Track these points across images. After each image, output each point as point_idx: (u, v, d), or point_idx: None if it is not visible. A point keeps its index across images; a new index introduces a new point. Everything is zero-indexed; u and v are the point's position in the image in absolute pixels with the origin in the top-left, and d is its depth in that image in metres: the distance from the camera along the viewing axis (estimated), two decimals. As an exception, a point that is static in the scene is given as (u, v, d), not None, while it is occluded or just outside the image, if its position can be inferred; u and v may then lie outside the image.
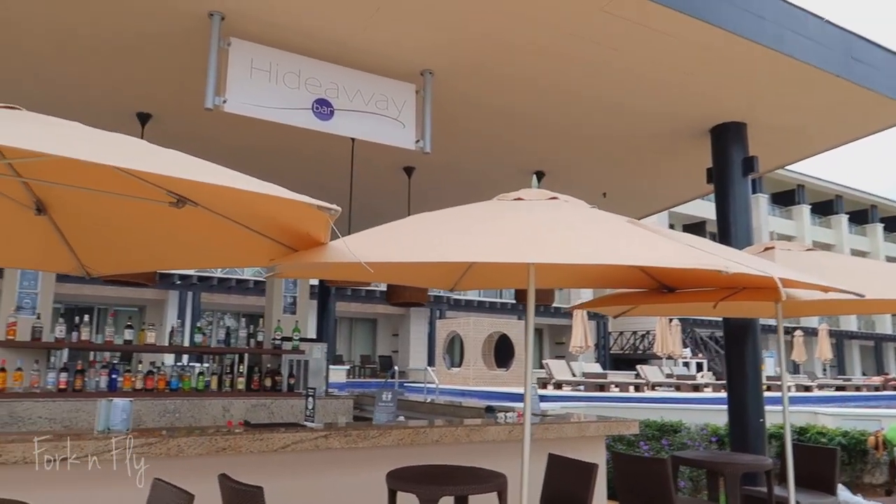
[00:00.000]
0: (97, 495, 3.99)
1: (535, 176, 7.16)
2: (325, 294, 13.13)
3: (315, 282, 16.38)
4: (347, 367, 22.67)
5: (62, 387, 6.27)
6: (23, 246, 2.98)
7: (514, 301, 29.58)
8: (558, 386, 19.16)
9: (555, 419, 6.00)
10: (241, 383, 7.25)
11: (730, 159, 5.88)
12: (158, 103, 5.38)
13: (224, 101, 3.97)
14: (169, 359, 17.14)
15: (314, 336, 12.10)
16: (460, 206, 2.86)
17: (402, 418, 7.20)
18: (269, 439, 4.51)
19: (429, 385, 15.67)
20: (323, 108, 4.34)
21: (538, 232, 2.40)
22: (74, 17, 4.10)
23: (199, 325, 7.32)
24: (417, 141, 4.72)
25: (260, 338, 7.49)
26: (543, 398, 15.80)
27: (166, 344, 7.16)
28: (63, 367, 6.37)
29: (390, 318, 28.39)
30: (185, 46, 4.44)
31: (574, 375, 20.44)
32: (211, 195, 2.22)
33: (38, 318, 6.86)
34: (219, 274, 22.63)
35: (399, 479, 3.36)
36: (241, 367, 7.46)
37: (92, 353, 7.05)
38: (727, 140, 5.95)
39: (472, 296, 28.64)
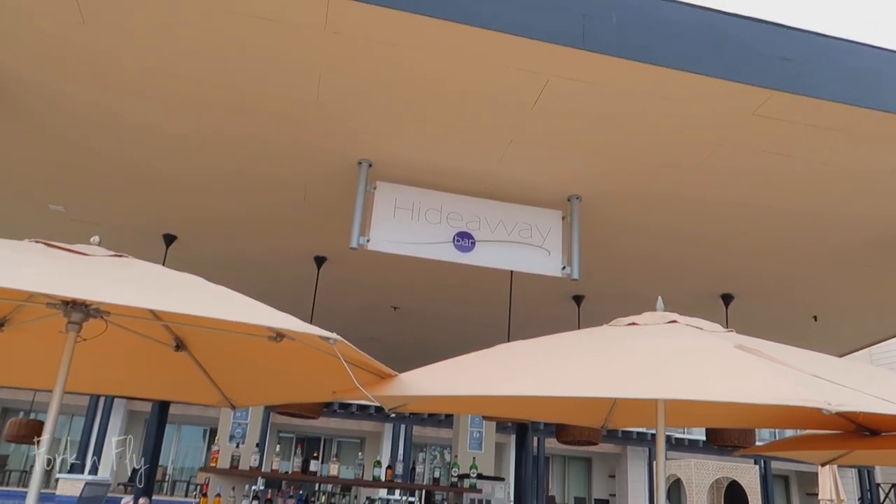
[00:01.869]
0: None
1: (721, 299, 6.51)
2: (522, 430, 12.73)
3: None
4: (558, 509, 21.32)
5: (253, 514, 6.64)
6: (174, 380, 3.30)
7: (746, 441, 26.21)
8: (806, 546, 16.14)
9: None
10: (418, 521, 7.12)
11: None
12: (333, 249, 5.93)
13: (367, 241, 4.22)
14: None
15: (502, 475, 11.69)
16: (564, 332, 2.64)
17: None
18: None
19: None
20: (464, 240, 4.42)
21: (663, 363, 2.10)
22: (246, 162, 4.74)
23: (377, 460, 7.45)
24: (564, 268, 4.56)
25: (437, 474, 7.40)
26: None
27: (350, 477, 7.35)
28: (255, 494, 6.79)
29: (605, 457, 26.58)
30: (334, 190, 4.89)
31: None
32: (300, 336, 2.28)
33: (257, 447, 7.44)
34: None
35: None
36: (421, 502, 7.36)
37: (284, 482, 7.45)
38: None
39: (697, 434, 25.96)
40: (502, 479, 7.92)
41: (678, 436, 25.50)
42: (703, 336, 2.21)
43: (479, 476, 7.65)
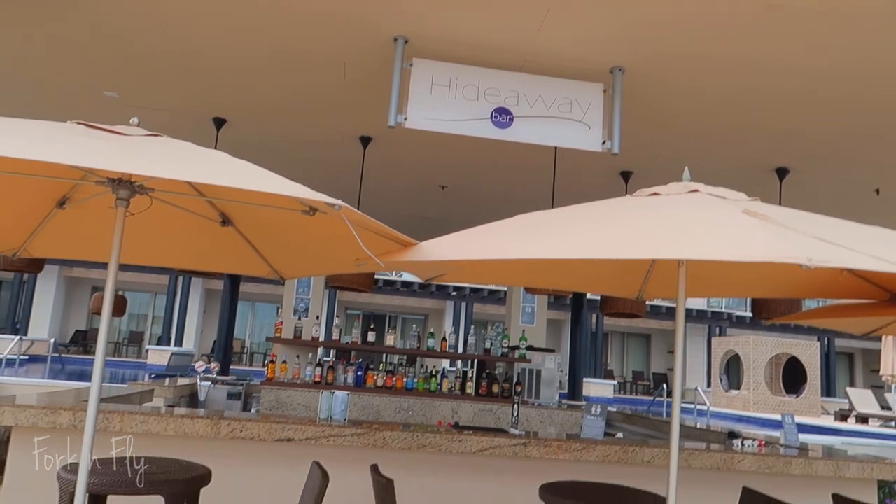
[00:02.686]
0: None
1: (776, 173, 6.31)
2: (578, 307, 13.02)
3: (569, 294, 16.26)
4: (615, 382, 22.06)
5: (317, 380, 7.20)
6: (225, 254, 3.55)
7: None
8: (863, 420, 16.33)
9: (796, 454, 5.20)
10: (469, 387, 7.57)
11: None
12: (377, 128, 5.98)
13: (405, 119, 4.26)
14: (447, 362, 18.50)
15: (557, 349, 12.05)
16: (584, 203, 2.68)
17: (620, 435, 6.85)
18: (467, 441, 4.66)
19: (699, 407, 14.59)
20: (502, 116, 4.39)
21: (687, 226, 2.13)
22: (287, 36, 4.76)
23: (431, 332, 7.84)
24: (604, 142, 4.50)
25: (488, 345, 7.74)
26: (838, 432, 13.60)
27: (406, 347, 7.79)
28: (318, 362, 7.32)
29: (664, 333, 26.99)
30: (372, 68, 4.87)
31: (887, 409, 17.26)
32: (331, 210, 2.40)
33: (318, 319, 7.95)
34: (490, 286, 23.83)
35: (548, 492, 3.22)
36: (471, 373, 7.79)
37: (349, 352, 7.99)
38: None
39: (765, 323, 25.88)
40: (552, 351, 8.24)
41: (739, 313, 25.52)
42: (716, 203, 2.21)
43: (530, 348, 7.98)
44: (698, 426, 7.32)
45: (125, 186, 2.54)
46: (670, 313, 23.21)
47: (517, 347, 7.81)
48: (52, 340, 12.29)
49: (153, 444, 4.38)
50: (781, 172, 6.24)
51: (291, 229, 3.15)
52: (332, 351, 8.38)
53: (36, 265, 5.83)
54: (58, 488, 2.59)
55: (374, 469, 2.99)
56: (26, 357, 14.62)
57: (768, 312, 5.54)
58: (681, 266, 2.78)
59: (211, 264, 3.62)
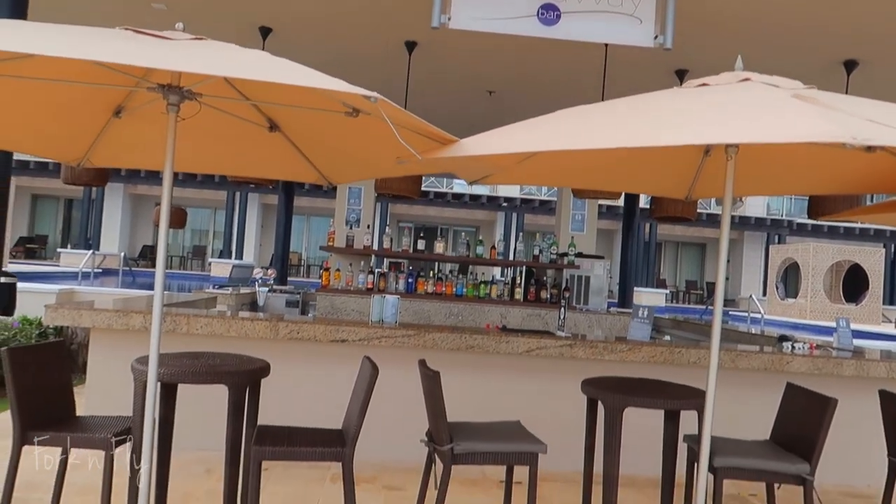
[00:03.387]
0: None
1: (843, 66, 5.95)
2: (629, 215, 12.84)
3: (621, 202, 16.06)
4: (667, 291, 21.97)
5: (369, 287, 7.42)
6: (275, 161, 3.63)
7: (876, 226, 25.02)
8: (925, 326, 15.93)
9: (847, 356, 5.19)
10: (518, 293, 7.69)
11: None
12: (421, 32, 5.85)
13: (448, 19, 4.16)
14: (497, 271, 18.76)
15: (609, 259, 12.00)
16: (631, 96, 2.62)
17: (667, 338, 6.90)
18: (514, 342, 4.80)
19: (753, 315, 14.48)
20: (549, 13, 4.24)
21: (731, 111, 2.06)
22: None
23: (480, 239, 7.91)
24: (656, 37, 4.31)
25: (536, 251, 7.78)
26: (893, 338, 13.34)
27: (450, 254, 7.91)
28: (370, 270, 7.52)
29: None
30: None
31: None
32: (369, 106, 2.42)
33: (369, 227, 8.12)
34: (541, 196, 23.66)
35: (590, 386, 3.32)
36: (520, 279, 7.89)
37: (400, 261, 8.17)
38: None
39: (823, 219, 25.02)
40: (601, 258, 8.23)
41: (800, 220, 24.74)
42: (767, 90, 2.13)
43: (579, 254, 7.99)
44: (752, 332, 7.30)
45: (175, 92, 2.61)
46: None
47: (566, 254, 7.84)
48: (123, 254, 12.95)
49: (217, 345, 4.67)
50: (850, 65, 5.88)
51: (336, 134, 3.19)
52: (384, 261, 8.59)
53: (100, 178, 6.07)
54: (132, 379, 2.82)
55: (423, 363, 3.14)
56: (100, 270, 15.47)
57: (824, 210, 5.35)
58: (729, 160, 2.72)
59: (262, 170, 3.71)
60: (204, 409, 4.60)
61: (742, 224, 24.25)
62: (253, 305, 7.70)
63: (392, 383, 4.86)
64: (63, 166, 6.13)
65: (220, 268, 17.17)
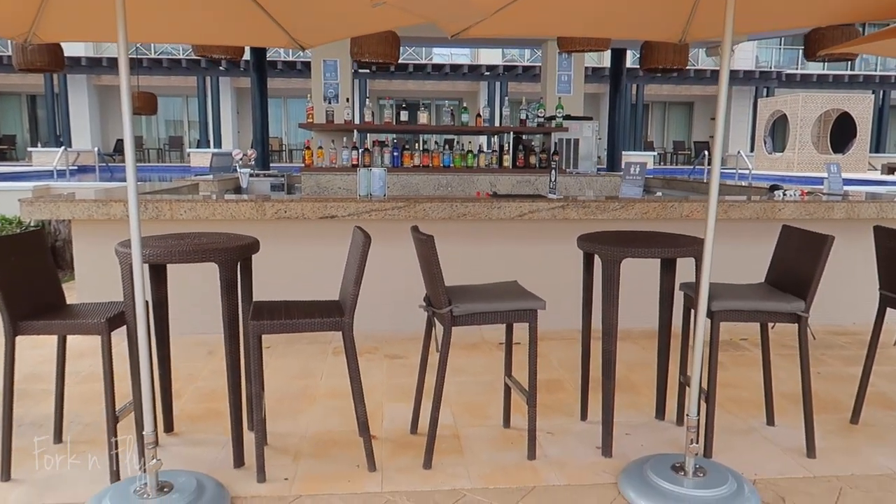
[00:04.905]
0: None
1: None
2: (616, 75, 12.42)
3: (607, 63, 15.50)
4: (655, 153, 21.81)
5: (354, 163, 7.25)
6: (241, 26, 3.35)
7: (865, 72, 24.54)
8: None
9: (836, 200, 5.17)
10: (507, 161, 7.55)
11: None
12: None
13: None
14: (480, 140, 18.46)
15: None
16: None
17: (659, 193, 6.86)
18: (505, 207, 4.72)
19: (741, 171, 14.46)
20: None
21: None
22: None
23: (464, 107, 7.64)
24: None
25: (522, 116, 7.56)
26: (883, 184, 13.42)
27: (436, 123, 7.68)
28: (353, 146, 7.32)
29: (708, 100, 25.98)
30: None
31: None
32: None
33: (348, 101, 7.81)
34: (525, 62, 22.87)
35: (586, 241, 3.28)
36: (507, 146, 7.71)
37: (380, 134, 7.93)
38: None
39: (812, 68, 24.47)
40: (590, 119, 8.02)
41: (789, 71, 24.19)
42: None
43: (567, 117, 7.77)
44: (741, 185, 7.27)
45: (117, -56, 2.33)
46: (715, 77, 22.09)
47: (553, 117, 7.62)
48: (96, 149, 12.52)
49: (203, 229, 4.57)
50: None
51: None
52: (367, 137, 8.34)
53: (56, 61, 5.67)
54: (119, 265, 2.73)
55: (415, 229, 3.05)
56: (76, 168, 15.07)
57: (823, 44, 5.12)
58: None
59: (227, 37, 3.44)
60: (201, 294, 4.59)
61: (731, 79, 23.70)
62: (237, 191, 7.53)
63: (385, 257, 4.83)
64: (14, 51, 5.72)
65: (200, 158, 16.78)
